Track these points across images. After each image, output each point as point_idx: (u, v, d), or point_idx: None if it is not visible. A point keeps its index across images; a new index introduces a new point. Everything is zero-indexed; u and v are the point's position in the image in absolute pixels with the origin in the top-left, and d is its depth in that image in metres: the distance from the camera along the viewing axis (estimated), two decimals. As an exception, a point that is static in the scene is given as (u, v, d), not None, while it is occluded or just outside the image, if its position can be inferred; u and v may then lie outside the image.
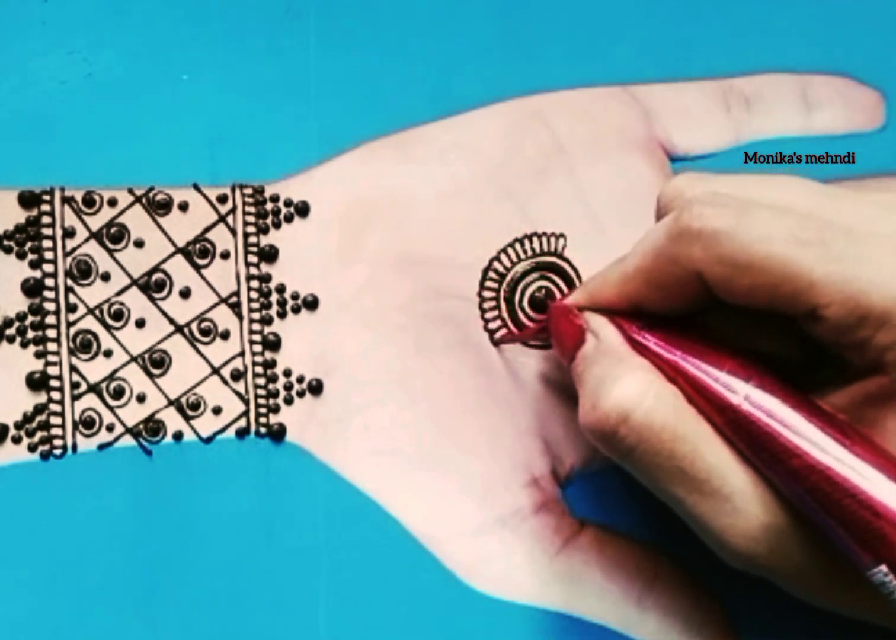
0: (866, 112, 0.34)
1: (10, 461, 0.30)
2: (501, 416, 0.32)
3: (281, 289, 0.31)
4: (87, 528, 0.30)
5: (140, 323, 0.31)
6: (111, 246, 0.31)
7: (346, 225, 0.32)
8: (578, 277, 0.32)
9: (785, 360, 0.27)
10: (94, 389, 0.31)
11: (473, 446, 0.31)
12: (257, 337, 0.31)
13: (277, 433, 0.31)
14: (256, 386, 0.31)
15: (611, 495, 0.32)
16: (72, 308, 0.31)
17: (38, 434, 0.30)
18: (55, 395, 0.31)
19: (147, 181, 0.31)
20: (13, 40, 0.31)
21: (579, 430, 0.32)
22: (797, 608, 0.30)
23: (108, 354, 0.31)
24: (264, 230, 0.32)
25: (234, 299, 0.31)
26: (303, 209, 0.32)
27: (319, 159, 0.32)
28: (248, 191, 0.32)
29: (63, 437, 0.30)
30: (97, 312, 0.31)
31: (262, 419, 0.31)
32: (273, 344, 0.31)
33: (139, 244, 0.31)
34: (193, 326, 0.31)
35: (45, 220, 0.31)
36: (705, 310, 0.27)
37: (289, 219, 0.32)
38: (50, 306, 0.31)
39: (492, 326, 0.32)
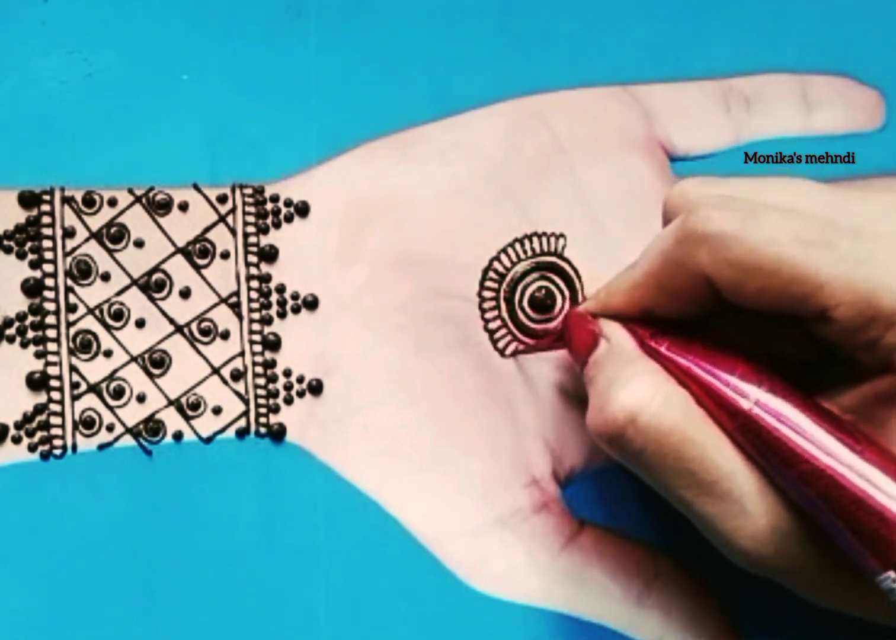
0: (866, 112, 0.34)
1: (10, 461, 0.30)
2: (501, 416, 0.32)
3: (281, 289, 0.31)
4: (87, 528, 0.30)
5: (140, 323, 0.31)
6: (111, 246, 0.31)
7: (346, 225, 0.32)
8: (578, 277, 0.32)
9: (795, 360, 0.27)
10: (94, 389, 0.31)
11: (473, 446, 0.31)
12: (257, 337, 0.31)
13: (277, 433, 0.31)
14: (256, 386, 0.31)
15: (611, 495, 0.32)
16: (72, 308, 0.31)
17: (38, 434, 0.30)
18: (55, 395, 0.31)
19: (147, 181, 0.31)
20: (13, 40, 0.31)
21: (579, 430, 0.32)
22: (798, 607, 0.30)
23: (108, 354, 0.31)
24: (264, 230, 0.32)
25: (234, 299, 0.31)
26: (303, 209, 0.32)
27: (319, 159, 0.32)
28: (248, 191, 0.32)
29: (63, 437, 0.30)
30: (97, 312, 0.31)
31: (262, 419, 0.31)
32: (273, 344, 0.31)
33: (139, 244, 0.31)
34: (193, 326, 0.31)
35: (45, 220, 0.31)
36: (715, 314, 0.27)
37: (289, 219, 0.32)
38: (50, 306, 0.31)
39: (492, 326, 0.32)
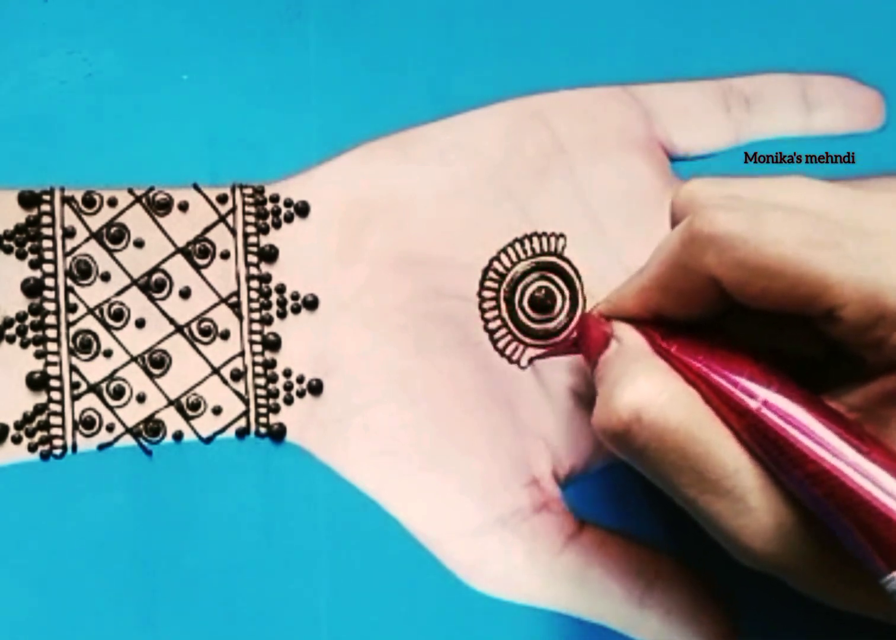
0: (866, 112, 0.34)
1: (10, 461, 0.30)
2: (501, 416, 0.32)
3: (281, 289, 0.31)
4: (87, 528, 0.30)
5: (140, 323, 0.31)
6: (111, 246, 0.31)
7: (346, 225, 0.32)
8: (578, 277, 0.32)
9: (803, 358, 0.27)
10: (94, 389, 0.31)
11: (473, 446, 0.31)
12: (257, 337, 0.31)
13: (277, 433, 0.31)
14: (256, 386, 0.31)
15: (611, 495, 0.32)
16: (72, 308, 0.31)
17: (38, 434, 0.30)
18: (55, 395, 0.31)
19: (147, 181, 0.31)
20: (13, 40, 0.31)
21: (580, 430, 0.32)
22: (799, 606, 0.30)
23: (108, 354, 0.31)
24: (264, 230, 0.32)
25: (234, 299, 0.31)
26: (303, 209, 0.32)
27: (319, 159, 0.32)
28: (248, 191, 0.32)
29: (63, 437, 0.30)
30: (97, 312, 0.31)
31: (262, 419, 0.31)
32: (273, 344, 0.31)
33: (139, 244, 0.31)
34: (193, 326, 0.31)
35: (45, 220, 0.31)
36: (725, 314, 0.27)
37: (289, 219, 0.32)
38: (50, 306, 0.31)
39: (492, 326, 0.32)
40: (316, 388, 0.31)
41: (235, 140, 0.32)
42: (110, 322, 0.31)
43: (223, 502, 0.31)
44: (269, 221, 0.32)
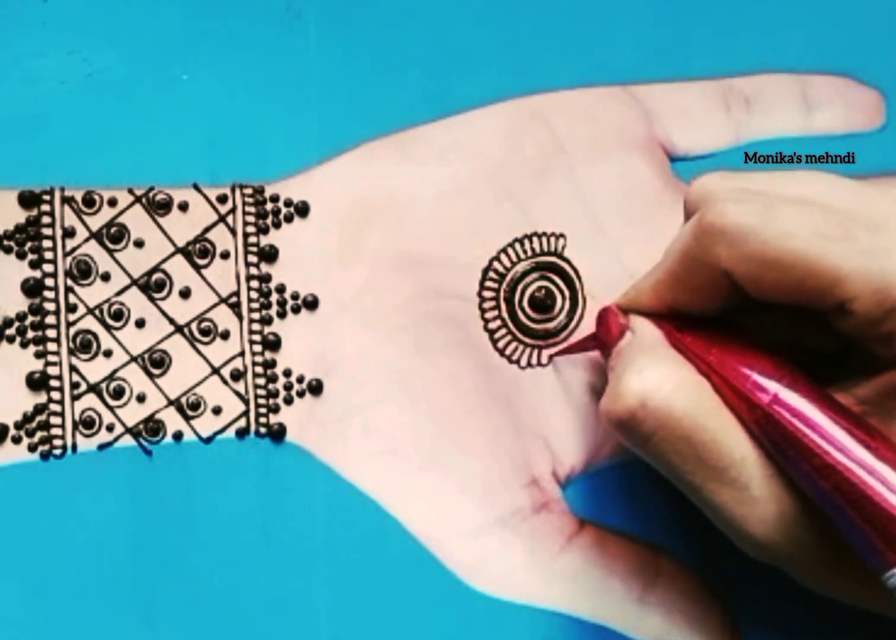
0: (866, 112, 0.34)
1: (10, 461, 0.30)
2: (501, 416, 0.32)
3: (281, 289, 0.31)
4: (87, 528, 0.30)
5: (140, 323, 0.31)
6: (111, 246, 0.31)
7: (346, 225, 0.32)
8: (578, 277, 0.32)
9: (815, 351, 0.27)
10: (94, 389, 0.31)
11: (473, 446, 0.31)
12: (257, 337, 0.31)
13: (277, 433, 0.31)
14: (256, 386, 0.31)
15: (611, 495, 0.32)
16: (72, 308, 0.31)
17: (38, 434, 0.30)
18: (55, 395, 0.31)
19: (147, 181, 0.31)
20: (13, 40, 0.31)
21: (580, 430, 0.32)
22: (800, 605, 0.30)
23: (108, 354, 0.31)
24: (264, 230, 0.32)
25: (234, 299, 0.31)
26: (303, 209, 0.32)
27: (319, 159, 0.32)
28: (248, 191, 0.32)
29: (63, 437, 0.30)
30: (97, 312, 0.31)
31: (262, 419, 0.31)
32: (273, 344, 0.31)
33: (139, 244, 0.31)
34: (193, 326, 0.31)
35: (45, 220, 0.31)
36: (738, 308, 0.27)
37: (289, 219, 0.32)
38: (50, 306, 0.31)
39: (492, 326, 0.32)
40: (316, 388, 0.31)
41: (235, 140, 0.32)
42: (110, 322, 0.31)
43: (223, 502, 0.31)
44: (269, 221, 0.32)
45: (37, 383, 0.30)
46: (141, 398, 0.31)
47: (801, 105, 0.33)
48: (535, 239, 0.32)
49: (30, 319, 0.31)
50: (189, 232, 0.31)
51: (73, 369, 0.31)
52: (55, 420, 0.30)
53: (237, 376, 0.31)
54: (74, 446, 0.30)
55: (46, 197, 0.31)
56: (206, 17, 0.32)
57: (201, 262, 0.31)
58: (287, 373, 0.31)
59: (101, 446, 0.31)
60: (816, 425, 0.25)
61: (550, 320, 0.32)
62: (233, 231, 0.32)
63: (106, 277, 0.31)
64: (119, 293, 0.31)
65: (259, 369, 0.31)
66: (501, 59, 0.33)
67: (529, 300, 0.32)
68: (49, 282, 0.31)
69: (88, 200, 0.31)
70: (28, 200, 0.31)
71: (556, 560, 0.31)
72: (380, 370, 0.31)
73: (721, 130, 0.33)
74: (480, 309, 0.32)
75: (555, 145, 0.32)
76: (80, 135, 0.31)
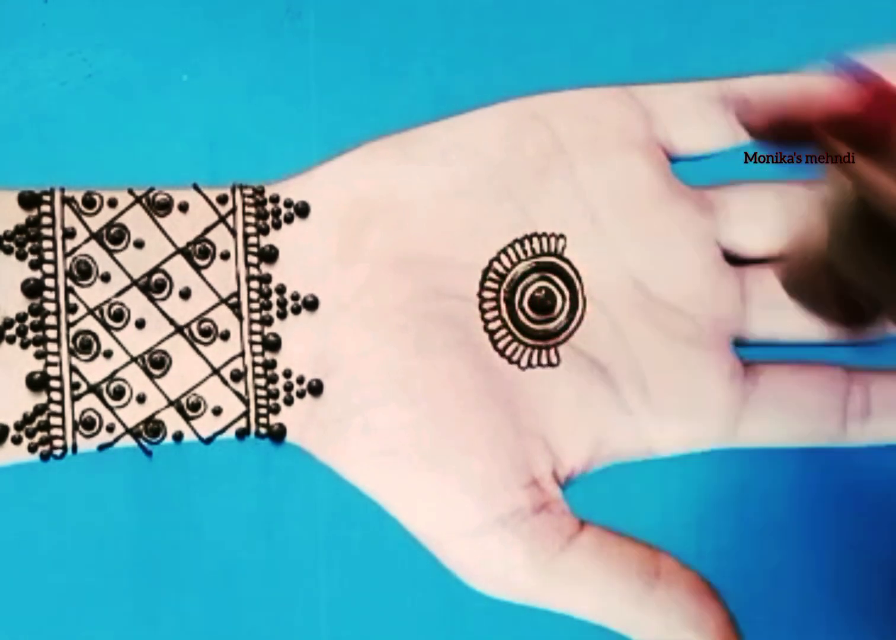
0: (866, 112, 0.34)
1: (10, 462, 0.30)
2: (501, 416, 0.32)
3: (281, 289, 0.31)
4: (87, 528, 0.30)
5: (140, 324, 0.31)
6: (111, 246, 0.31)
7: (346, 225, 0.32)
8: (578, 277, 0.32)
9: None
10: (94, 389, 0.31)
11: (473, 446, 0.31)
12: (257, 338, 0.31)
13: (277, 434, 0.31)
14: (256, 387, 0.31)
15: (611, 495, 0.32)
16: (72, 309, 0.31)
17: (38, 435, 0.30)
18: (55, 395, 0.31)
19: (147, 182, 0.31)
20: (13, 41, 0.31)
21: (580, 430, 0.32)
22: (801, 606, 0.30)
23: (108, 354, 0.31)
24: (264, 231, 0.32)
25: (234, 300, 0.31)
26: (303, 209, 0.32)
27: (319, 159, 0.32)
28: (248, 191, 0.32)
29: (63, 437, 0.30)
30: (97, 312, 0.31)
31: (262, 420, 0.31)
32: (273, 345, 0.31)
33: (139, 245, 0.31)
34: (193, 326, 0.31)
35: (45, 220, 0.31)
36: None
37: (289, 219, 0.32)
38: (50, 307, 0.31)
39: (492, 326, 0.32)
40: (316, 388, 0.31)
41: (235, 140, 0.32)
42: (110, 323, 0.31)
43: (223, 502, 0.31)
44: (269, 221, 0.32)
45: (37, 383, 0.30)
46: (141, 399, 0.31)
47: (800, 105, 0.33)
48: (535, 239, 0.32)
49: (30, 319, 0.31)
50: (189, 232, 0.31)
51: (73, 369, 0.31)
52: (55, 421, 0.30)
53: (237, 376, 0.31)
54: (74, 447, 0.30)
55: (46, 197, 0.31)
56: (206, 17, 0.32)
57: (201, 262, 0.31)
58: (287, 373, 0.31)
59: (102, 447, 0.31)
60: None
61: (550, 320, 0.32)
62: (233, 232, 0.32)
63: (106, 278, 0.31)
64: (119, 294, 0.31)
65: (259, 370, 0.31)
66: (502, 60, 0.33)
67: (529, 301, 0.32)
68: (49, 282, 0.31)
69: (88, 201, 0.31)
70: (28, 200, 0.31)
71: (556, 560, 0.31)
72: (380, 370, 0.31)
73: (721, 130, 0.33)
74: (480, 309, 0.32)
75: (555, 146, 0.32)
76: (80, 135, 0.31)
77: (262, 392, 0.31)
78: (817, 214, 0.23)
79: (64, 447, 0.30)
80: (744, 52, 0.33)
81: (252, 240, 0.32)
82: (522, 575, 0.31)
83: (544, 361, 0.32)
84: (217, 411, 0.31)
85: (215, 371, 0.31)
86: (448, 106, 0.33)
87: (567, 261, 0.32)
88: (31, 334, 0.31)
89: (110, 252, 0.31)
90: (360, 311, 0.32)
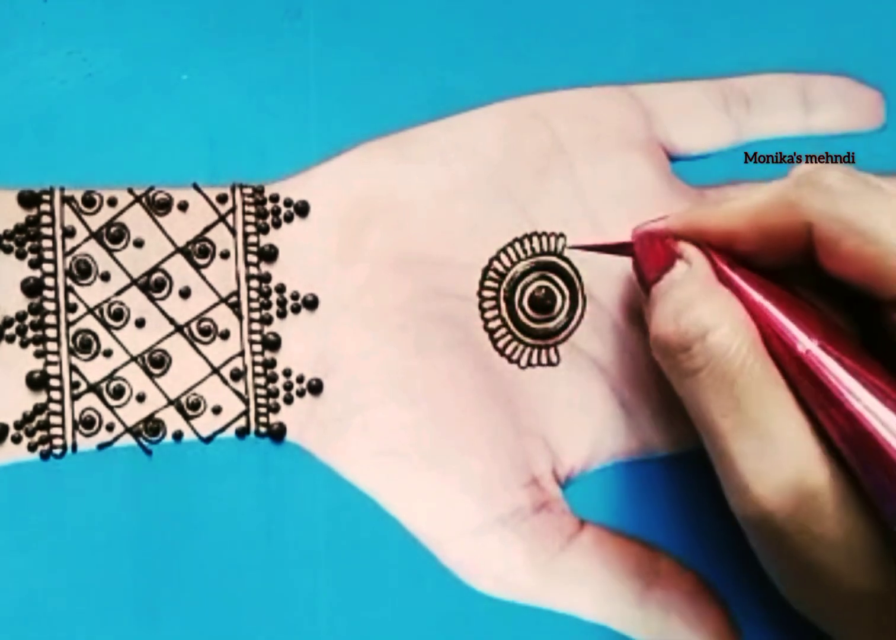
0: (866, 112, 0.34)
1: (10, 461, 0.30)
2: (501, 416, 0.32)
3: (281, 289, 0.32)
4: (87, 528, 0.30)
5: (140, 323, 0.31)
6: (111, 246, 0.31)
7: (346, 225, 0.32)
8: (578, 276, 0.32)
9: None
10: (93, 388, 0.31)
11: (473, 446, 0.31)
12: (257, 337, 0.31)
13: (277, 433, 0.31)
14: (256, 386, 0.31)
15: (611, 495, 0.32)
16: (72, 308, 0.31)
17: (38, 434, 0.30)
18: (55, 394, 0.31)
19: (147, 181, 0.31)
20: (13, 40, 0.31)
21: (580, 429, 0.32)
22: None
23: (107, 353, 0.31)
24: (264, 230, 0.32)
25: (233, 299, 0.31)
26: (303, 209, 0.32)
27: (319, 159, 0.32)
28: (248, 191, 0.32)
29: (63, 436, 0.30)
30: (97, 311, 0.31)
31: (262, 419, 0.31)
32: (273, 344, 0.31)
33: (139, 244, 0.31)
34: (193, 325, 0.31)
35: (45, 220, 0.31)
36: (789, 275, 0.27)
37: (289, 219, 0.32)
38: (50, 306, 0.31)
39: (492, 325, 0.32)
40: (316, 388, 0.31)
41: (235, 140, 0.32)
42: (110, 322, 0.31)
43: (223, 502, 0.31)
44: (268, 220, 0.32)
45: (37, 382, 0.30)
46: (141, 398, 0.31)
47: (800, 105, 0.33)
48: (534, 239, 0.32)
49: (30, 318, 0.31)
50: (189, 232, 0.31)
51: (72, 368, 0.31)
52: (55, 420, 0.30)
53: (237, 375, 0.31)
54: (74, 446, 0.30)
55: (46, 197, 0.31)
56: (205, 17, 0.32)
57: (201, 261, 0.31)
58: (287, 373, 0.31)
59: (101, 446, 0.31)
60: (845, 376, 0.25)
61: (550, 319, 0.32)
62: (233, 231, 0.32)
63: (106, 277, 0.31)
64: (119, 293, 0.31)
65: (259, 369, 0.31)
66: (501, 59, 0.33)
67: (529, 300, 0.32)
68: (49, 281, 0.31)
69: (88, 200, 0.31)
70: (28, 199, 0.31)
71: (556, 560, 0.31)
72: (380, 370, 0.31)
73: (721, 130, 0.33)
74: (480, 309, 0.32)
75: (555, 145, 0.32)
76: (80, 135, 0.31)
77: (261, 391, 0.31)
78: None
79: (63, 446, 0.30)
80: (744, 52, 0.33)
81: (252, 239, 0.32)
82: (522, 575, 0.31)
83: (544, 360, 0.32)
84: (217, 410, 0.31)
85: (215, 370, 0.31)
86: (447, 106, 0.33)
87: (567, 260, 0.32)
88: (30, 333, 0.31)
89: (110, 251, 0.31)
90: (360, 311, 0.32)
